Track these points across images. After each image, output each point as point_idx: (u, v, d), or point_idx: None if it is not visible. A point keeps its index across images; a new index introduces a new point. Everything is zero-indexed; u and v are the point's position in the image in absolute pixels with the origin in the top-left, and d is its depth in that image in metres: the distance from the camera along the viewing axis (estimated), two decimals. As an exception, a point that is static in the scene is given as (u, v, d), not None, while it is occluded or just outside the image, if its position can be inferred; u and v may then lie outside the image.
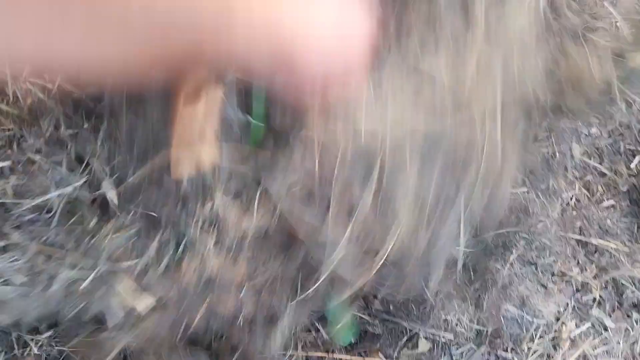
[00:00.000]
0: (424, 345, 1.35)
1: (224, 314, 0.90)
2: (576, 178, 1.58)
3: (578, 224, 1.55)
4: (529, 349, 1.45)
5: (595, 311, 1.54)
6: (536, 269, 1.48)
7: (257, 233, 0.89)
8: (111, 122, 0.94)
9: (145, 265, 0.90)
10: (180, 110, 0.88)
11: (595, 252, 1.54)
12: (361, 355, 1.27)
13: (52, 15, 0.51)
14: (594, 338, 1.54)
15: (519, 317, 1.45)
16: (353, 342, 1.28)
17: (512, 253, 1.47)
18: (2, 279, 0.86)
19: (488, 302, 1.42)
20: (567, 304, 1.50)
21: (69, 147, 0.96)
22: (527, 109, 1.06)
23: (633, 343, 1.57)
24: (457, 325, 1.37)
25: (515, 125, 0.99)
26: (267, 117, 0.92)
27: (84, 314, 0.89)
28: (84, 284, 0.86)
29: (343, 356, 1.25)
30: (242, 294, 0.89)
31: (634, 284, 1.55)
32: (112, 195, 0.91)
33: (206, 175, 0.87)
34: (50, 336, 1.09)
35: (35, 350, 1.08)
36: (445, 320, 1.37)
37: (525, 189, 1.44)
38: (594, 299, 1.53)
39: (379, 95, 0.86)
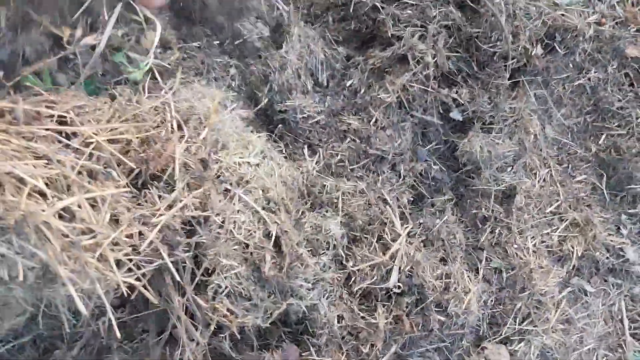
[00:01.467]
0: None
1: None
2: (550, 156, 1.69)
3: (555, 197, 1.66)
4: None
5: (575, 279, 1.66)
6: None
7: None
8: None
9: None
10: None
11: (572, 223, 1.65)
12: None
13: None
14: (575, 303, 1.66)
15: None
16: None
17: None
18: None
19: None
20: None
21: None
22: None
23: (611, 305, 1.71)
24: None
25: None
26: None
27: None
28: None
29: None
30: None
31: (608, 250, 1.68)
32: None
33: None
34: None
35: None
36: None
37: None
38: (574, 267, 1.65)
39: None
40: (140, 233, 0.88)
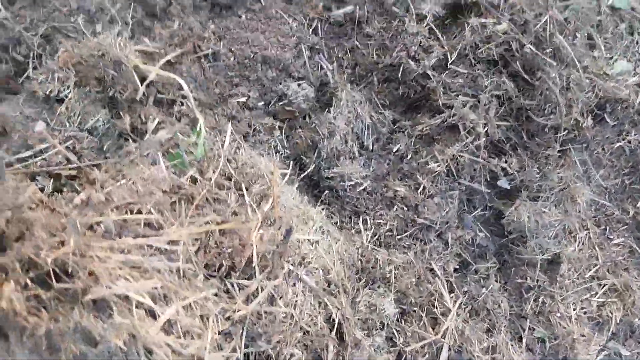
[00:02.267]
0: None
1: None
2: (588, 218, 1.67)
3: (593, 261, 1.65)
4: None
5: (611, 343, 1.65)
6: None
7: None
8: None
9: None
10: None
11: (610, 288, 1.64)
12: None
13: None
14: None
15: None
16: None
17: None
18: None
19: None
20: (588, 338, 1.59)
21: None
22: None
23: (646, 367, 1.70)
24: None
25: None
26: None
27: None
28: None
29: None
30: None
31: (644, 314, 1.67)
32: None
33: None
34: None
35: None
36: None
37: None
38: (609, 330, 1.64)
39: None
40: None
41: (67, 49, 1.11)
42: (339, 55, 1.55)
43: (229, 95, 1.41)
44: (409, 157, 1.45)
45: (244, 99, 1.42)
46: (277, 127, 1.47)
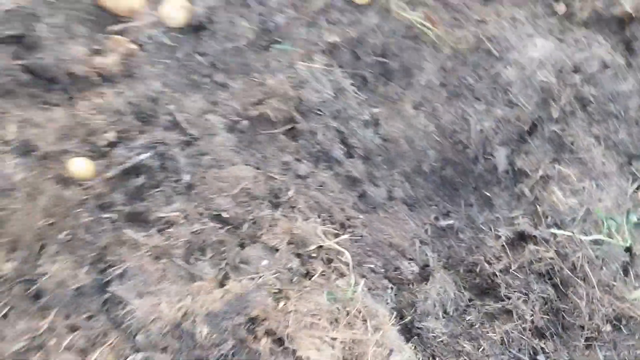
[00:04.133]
0: None
1: None
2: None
3: None
4: None
5: None
6: None
7: None
8: None
9: None
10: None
11: None
12: None
13: None
14: None
15: None
16: None
17: None
18: None
19: None
20: None
21: None
22: None
23: None
24: None
25: None
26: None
27: None
28: None
29: None
30: None
31: None
32: None
33: None
34: None
35: None
36: None
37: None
38: None
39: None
40: None
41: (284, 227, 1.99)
42: (439, 248, 2.33)
43: (363, 262, 2.21)
44: (477, 326, 2.13)
45: (372, 266, 2.21)
46: (389, 287, 2.23)
